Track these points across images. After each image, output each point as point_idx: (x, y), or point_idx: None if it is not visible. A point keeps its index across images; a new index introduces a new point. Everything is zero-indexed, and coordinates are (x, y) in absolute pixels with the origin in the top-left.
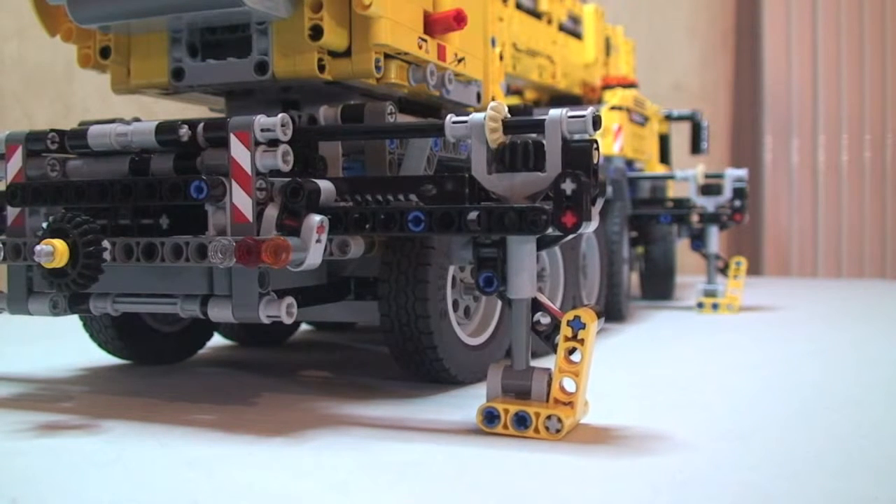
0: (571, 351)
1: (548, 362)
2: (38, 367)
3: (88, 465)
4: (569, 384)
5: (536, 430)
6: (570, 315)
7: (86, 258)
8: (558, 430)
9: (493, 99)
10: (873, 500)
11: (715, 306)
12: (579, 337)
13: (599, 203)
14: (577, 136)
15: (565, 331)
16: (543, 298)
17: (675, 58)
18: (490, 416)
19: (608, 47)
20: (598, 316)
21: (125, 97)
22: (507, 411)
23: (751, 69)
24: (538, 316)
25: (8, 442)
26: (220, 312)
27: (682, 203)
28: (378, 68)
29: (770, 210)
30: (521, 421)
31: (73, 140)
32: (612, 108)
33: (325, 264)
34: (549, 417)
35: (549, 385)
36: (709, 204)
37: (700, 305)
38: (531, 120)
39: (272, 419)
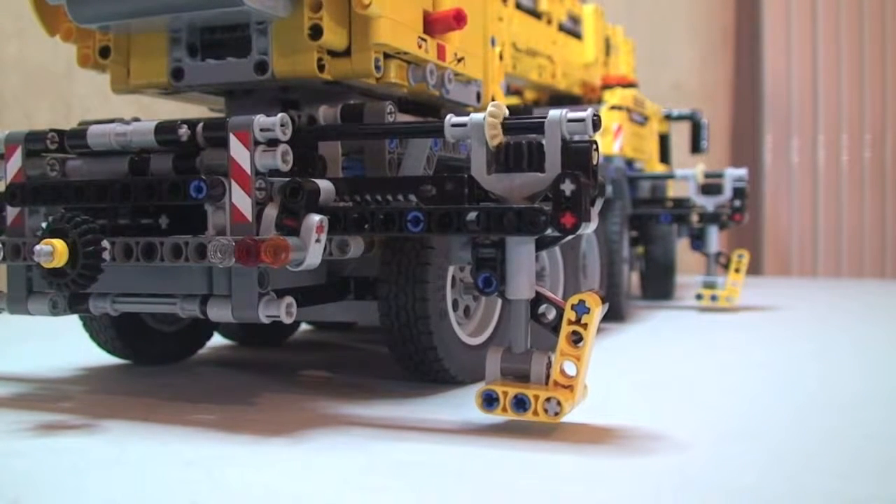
0: (577, 340)
1: None
2: (38, 367)
3: (88, 465)
4: (569, 368)
5: (535, 413)
6: (574, 299)
7: (85, 258)
8: (557, 413)
9: (492, 99)
10: (873, 500)
11: (714, 298)
12: (583, 321)
13: (599, 204)
14: (576, 137)
15: (569, 314)
16: (545, 291)
17: (675, 58)
18: (489, 399)
19: (608, 47)
20: (603, 301)
21: (125, 97)
22: (506, 394)
23: (751, 69)
24: (543, 309)
25: (8, 442)
26: (219, 312)
27: (682, 203)
28: (378, 68)
29: (770, 210)
30: (520, 403)
31: (73, 140)
32: (612, 107)
33: (325, 264)
34: (548, 400)
35: (549, 368)
36: (709, 203)
37: (699, 297)
38: (531, 120)
39: (272, 419)
